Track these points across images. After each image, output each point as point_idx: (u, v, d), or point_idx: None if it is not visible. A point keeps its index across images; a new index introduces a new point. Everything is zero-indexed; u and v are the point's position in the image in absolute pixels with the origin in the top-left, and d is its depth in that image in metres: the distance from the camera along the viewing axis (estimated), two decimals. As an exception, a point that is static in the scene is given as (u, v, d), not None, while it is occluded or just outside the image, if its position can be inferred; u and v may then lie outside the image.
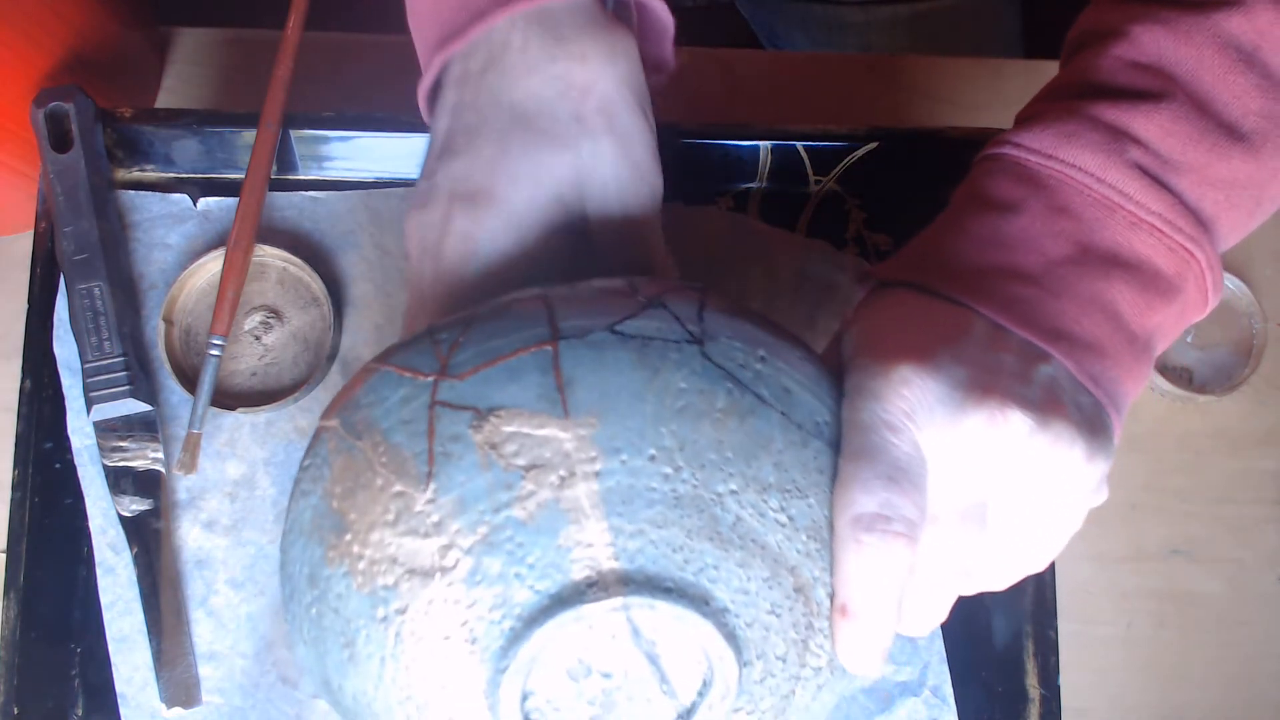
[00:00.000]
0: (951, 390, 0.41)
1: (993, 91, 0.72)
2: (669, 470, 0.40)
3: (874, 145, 0.62)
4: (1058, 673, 0.59)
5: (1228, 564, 0.68)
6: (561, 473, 0.39)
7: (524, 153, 0.48)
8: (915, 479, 0.41)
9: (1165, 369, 0.68)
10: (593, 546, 0.39)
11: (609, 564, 0.39)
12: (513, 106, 0.48)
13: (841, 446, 0.43)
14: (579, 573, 0.39)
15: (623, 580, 0.39)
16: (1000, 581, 0.45)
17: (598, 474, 0.39)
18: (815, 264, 0.62)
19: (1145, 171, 0.45)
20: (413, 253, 0.50)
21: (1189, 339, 0.69)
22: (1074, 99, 0.47)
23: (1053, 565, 0.59)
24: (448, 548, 0.39)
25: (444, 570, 0.39)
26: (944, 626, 0.59)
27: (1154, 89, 0.45)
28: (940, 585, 0.43)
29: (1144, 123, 0.45)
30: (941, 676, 0.59)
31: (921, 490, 0.41)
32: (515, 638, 0.39)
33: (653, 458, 0.40)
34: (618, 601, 0.38)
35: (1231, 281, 0.68)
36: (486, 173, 0.48)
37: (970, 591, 0.45)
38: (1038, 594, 0.59)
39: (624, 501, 0.39)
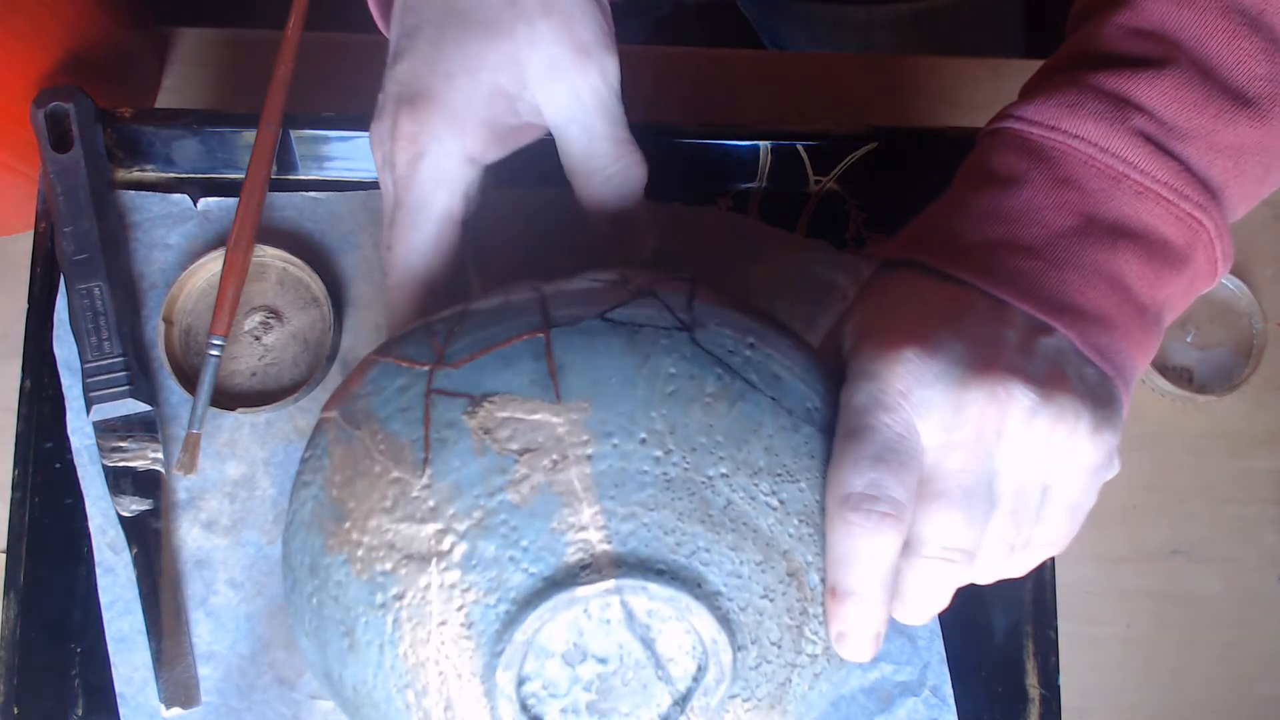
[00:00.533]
0: (950, 366, 0.41)
1: (993, 91, 0.72)
2: (660, 453, 0.40)
3: (874, 145, 0.62)
4: (1058, 673, 0.59)
5: (1228, 564, 0.68)
6: (554, 456, 0.40)
7: (457, 47, 0.47)
8: (905, 459, 0.41)
9: (1165, 369, 0.68)
10: (586, 529, 0.39)
11: (602, 546, 0.39)
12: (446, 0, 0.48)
13: (836, 428, 0.43)
14: (572, 555, 0.39)
15: (615, 562, 0.39)
16: (1018, 565, 0.44)
17: (590, 457, 0.40)
18: (815, 264, 0.62)
19: (1150, 139, 0.44)
20: (377, 168, 0.50)
21: (1189, 339, 0.69)
22: (1077, 69, 0.46)
23: (1053, 565, 0.59)
24: (443, 532, 0.40)
25: (440, 555, 0.40)
26: (944, 627, 0.59)
27: (1157, 55, 0.45)
28: (943, 565, 0.42)
29: (1147, 90, 0.44)
30: (941, 676, 0.59)
31: (911, 471, 0.41)
32: (510, 621, 0.39)
33: (644, 441, 0.40)
34: (610, 583, 0.39)
35: (1231, 281, 0.68)
36: (424, 73, 0.48)
37: (989, 578, 0.44)
38: (1038, 594, 0.59)
39: (616, 484, 0.40)
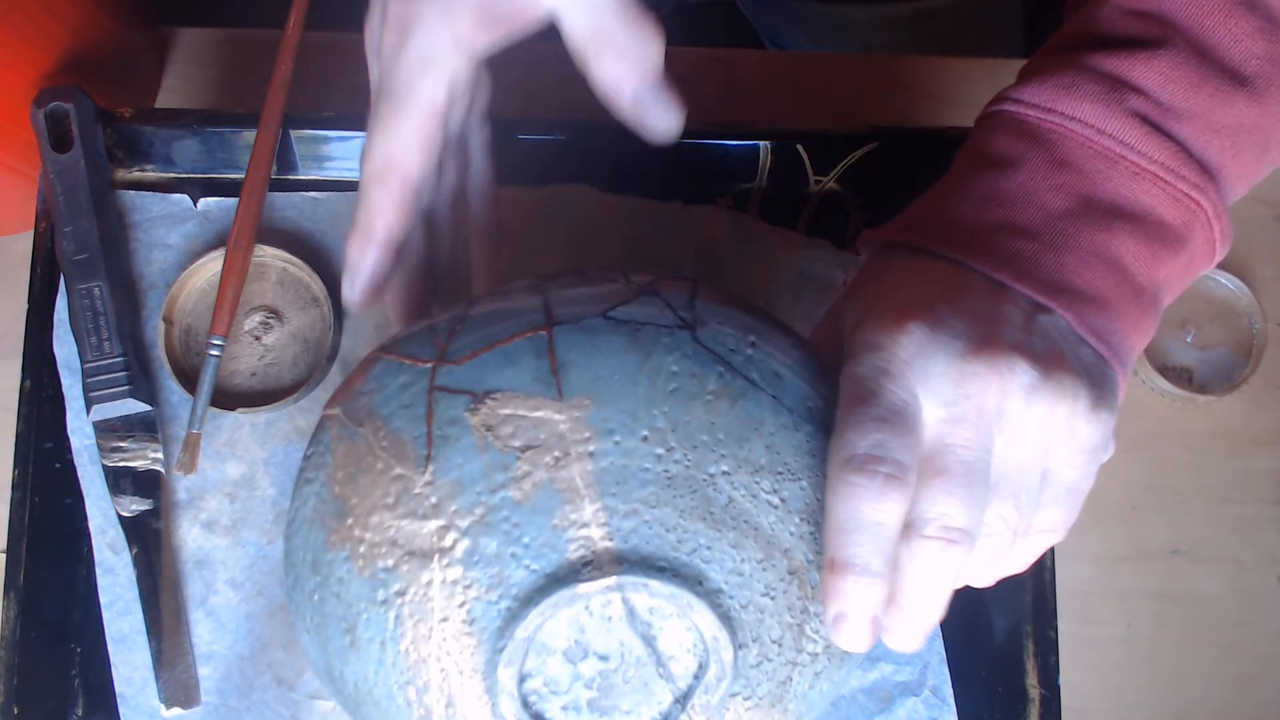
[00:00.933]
0: (953, 340, 0.41)
1: (993, 92, 0.72)
2: (661, 451, 0.40)
3: (874, 145, 0.63)
4: (1058, 673, 0.59)
5: (1228, 564, 0.68)
6: (556, 453, 0.40)
7: None
8: (910, 423, 0.40)
9: (1165, 369, 0.68)
10: (587, 526, 0.39)
11: (603, 544, 0.39)
12: None
13: (839, 399, 0.42)
14: (574, 552, 0.39)
15: (617, 560, 0.39)
16: (1019, 555, 0.43)
17: (592, 454, 0.40)
18: (815, 264, 0.62)
19: (1146, 120, 0.44)
20: (368, 61, 0.50)
21: (1189, 339, 0.69)
22: (1073, 51, 0.46)
23: (1053, 565, 0.59)
24: (445, 529, 0.40)
25: (442, 551, 0.40)
26: (944, 627, 0.59)
27: (1153, 36, 0.45)
28: (944, 547, 0.40)
29: (1143, 70, 0.44)
30: (941, 676, 0.59)
31: (915, 435, 0.40)
32: (512, 618, 0.39)
33: (645, 438, 0.40)
34: (612, 580, 0.39)
35: (1231, 281, 0.68)
36: None
37: (990, 573, 0.43)
38: (1038, 594, 0.59)
39: (618, 481, 0.40)
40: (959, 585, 0.43)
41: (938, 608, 0.42)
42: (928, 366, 0.41)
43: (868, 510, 0.39)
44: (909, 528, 0.41)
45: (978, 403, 0.40)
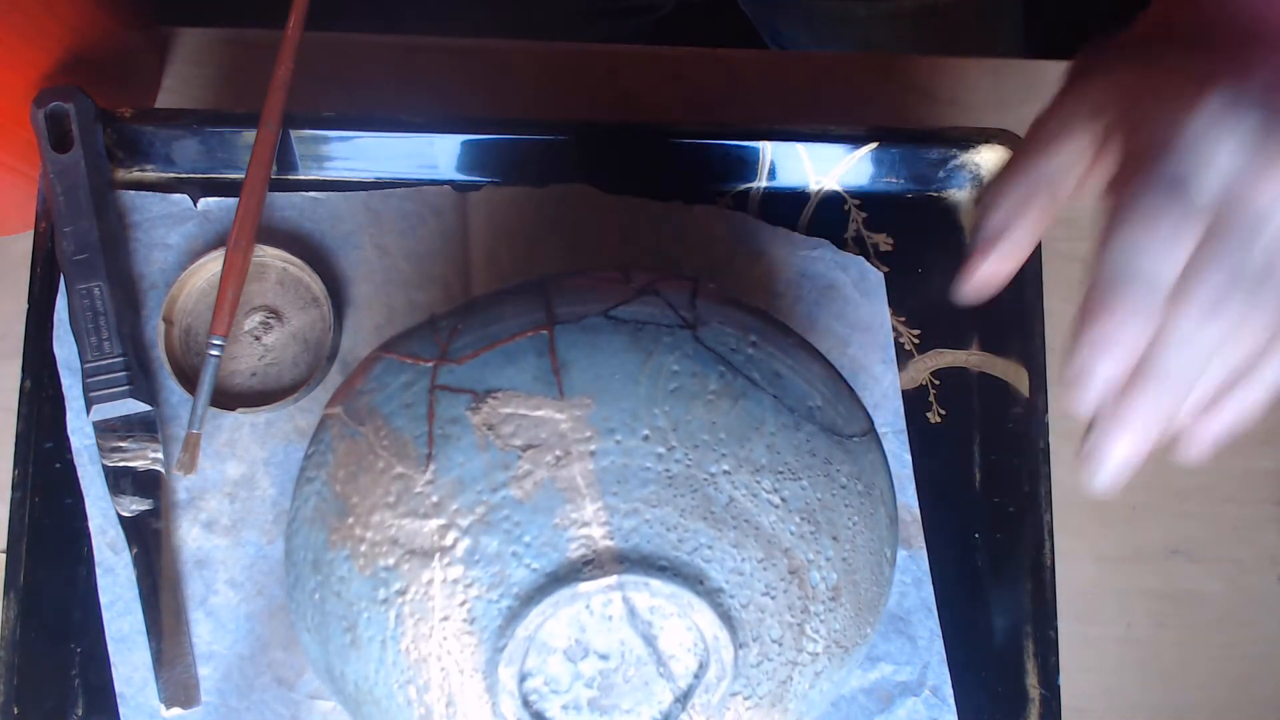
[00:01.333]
0: (1247, 116, 0.39)
1: (993, 91, 0.72)
2: (662, 450, 0.40)
3: (874, 145, 0.63)
4: (1058, 673, 0.59)
5: (1228, 564, 0.68)
6: (557, 452, 0.40)
7: None
8: (1198, 185, 0.38)
9: (1165, 369, 0.68)
10: (588, 525, 0.39)
11: (604, 543, 0.39)
12: None
13: (1120, 172, 0.40)
14: (575, 551, 0.39)
15: (618, 559, 0.39)
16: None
17: (593, 453, 0.40)
18: (815, 264, 0.62)
19: None
20: None
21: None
22: None
23: (1053, 565, 0.59)
24: (446, 528, 0.40)
25: (443, 550, 0.40)
26: (944, 627, 0.59)
27: None
28: (1206, 309, 0.38)
29: None
30: (941, 676, 0.59)
31: (1202, 196, 0.38)
32: (513, 616, 0.39)
33: (646, 438, 0.40)
34: (613, 579, 0.39)
35: (1231, 281, 0.68)
36: None
37: (1260, 390, 0.42)
38: (1037, 594, 0.59)
39: (619, 481, 0.40)
40: (1232, 413, 0.42)
41: (1174, 404, 0.40)
42: (1221, 141, 0.39)
43: (1155, 239, 0.38)
44: (1172, 294, 0.39)
45: (1265, 188, 0.39)
